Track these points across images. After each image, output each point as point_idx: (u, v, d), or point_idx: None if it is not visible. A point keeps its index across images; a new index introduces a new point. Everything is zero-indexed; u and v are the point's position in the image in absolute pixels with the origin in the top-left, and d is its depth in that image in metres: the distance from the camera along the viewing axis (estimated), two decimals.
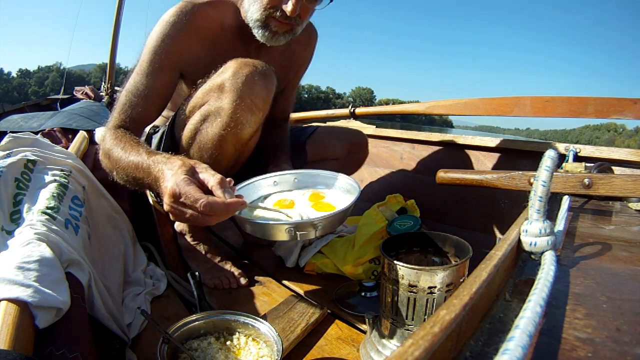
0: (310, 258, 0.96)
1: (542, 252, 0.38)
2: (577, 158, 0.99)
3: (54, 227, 0.62)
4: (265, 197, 0.86)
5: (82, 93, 2.62)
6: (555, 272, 0.32)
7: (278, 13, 0.83)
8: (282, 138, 1.10)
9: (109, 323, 0.62)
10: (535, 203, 0.38)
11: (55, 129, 1.61)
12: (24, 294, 0.45)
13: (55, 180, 0.75)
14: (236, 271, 0.92)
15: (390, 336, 0.59)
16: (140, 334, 0.71)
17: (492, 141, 1.34)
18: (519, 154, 1.26)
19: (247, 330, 0.62)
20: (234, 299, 0.86)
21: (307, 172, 0.91)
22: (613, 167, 0.84)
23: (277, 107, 1.11)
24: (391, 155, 1.62)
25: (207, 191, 0.61)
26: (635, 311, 0.30)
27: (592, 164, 0.83)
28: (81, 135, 1.33)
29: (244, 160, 0.95)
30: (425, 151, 1.51)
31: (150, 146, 0.99)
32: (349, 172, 1.21)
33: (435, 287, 0.55)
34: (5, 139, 0.81)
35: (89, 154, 1.18)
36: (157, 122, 1.01)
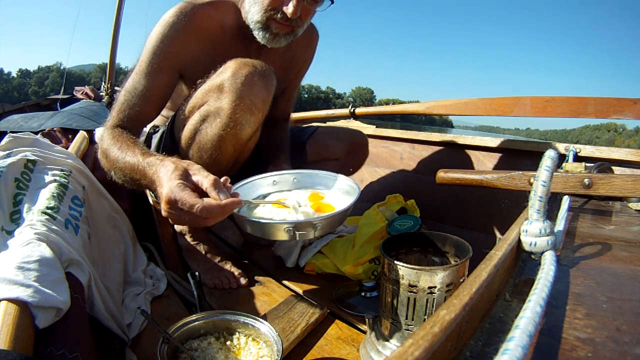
0: (310, 258, 0.96)
1: (542, 252, 0.38)
2: (577, 158, 0.99)
3: (54, 227, 0.62)
4: (264, 196, 0.86)
5: (82, 93, 2.62)
6: (555, 272, 0.32)
7: (279, 15, 0.83)
8: (282, 138, 1.10)
9: (109, 323, 0.62)
10: (535, 203, 0.38)
11: (55, 129, 1.61)
12: (24, 294, 0.45)
13: (55, 180, 0.75)
14: (236, 271, 0.92)
15: (390, 336, 0.59)
16: (140, 334, 0.71)
17: (492, 141, 1.34)
18: (519, 154, 1.26)
19: (247, 330, 0.62)
20: (234, 299, 0.86)
21: (307, 172, 0.91)
22: (613, 167, 0.84)
23: (278, 107, 1.11)
24: (391, 155, 1.62)
25: (202, 192, 0.61)
26: (635, 311, 0.30)
27: (592, 164, 0.83)
28: (81, 135, 1.33)
29: (243, 161, 0.95)
30: (425, 151, 1.51)
31: (150, 146, 0.99)
32: (349, 172, 1.21)
33: (435, 287, 0.55)
34: (5, 139, 0.81)
35: (89, 154, 1.18)
36: (157, 122, 1.01)
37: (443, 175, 0.80)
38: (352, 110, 1.89)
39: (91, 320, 0.58)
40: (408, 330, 0.58)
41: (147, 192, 1.03)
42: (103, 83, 2.61)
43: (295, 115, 1.98)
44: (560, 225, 0.47)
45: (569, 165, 0.81)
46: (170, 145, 0.92)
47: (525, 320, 0.22)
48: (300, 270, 0.97)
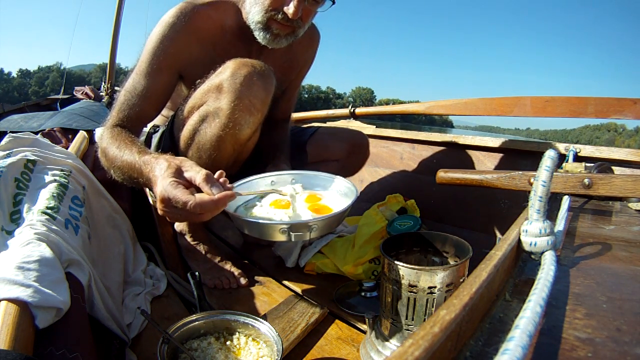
0: (310, 258, 0.96)
1: (542, 252, 0.38)
2: (577, 158, 0.99)
3: (54, 227, 0.62)
4: (262, 196, 0.86)
5: (82, 93, 2.62)
6: (555, 272, 0.32)
7: (280, 15, 0.83)
8: (282, 138, 1.10)
9: (109, 323, 0.62)
10: (535, 203, 0.38)
11: (55, 129, 1.61)
12: (24, 294, 0.45)
13: (55, 180, 0.75)
14: (236, 271, 0.92)
15: (390, 336, 0.59)
16: (140, 334, 0.71)
17: (492, 141, 1.34)
18: (519, 154, 1.26)
19: (247, 330, 0.62)
20: (234, 299, 0.86)
21: (305, 174, 0.91)
22: (613, 167, 0.84)
23: (278, 107, 1.11)
24: (391, 155, 1.62)
25: (197, 188, 0.62)
26: (635, 311, 0.30)
27: (592, 164, 0.83)
28: (81, 135, 1.33)
29: (243, 161, 0.95)
30: (425, 151, 1.51)
31: (150, 146, 0.99)
32: (350, 173, 1.20)
33: (435, 287, 0.55)
34: (5, 139, 0.81)
35: (89, 154, 1.18)
36: (157, 122, 1.02)
37: (443, 175, 0.80)
38: (352, 110, 1.89)
39: (91, 320, 0.58)
40: (408, 330, 0.58)
41: (147, 191, 1.03)
42: (103, 83, 2.61)
43: (295, 115, 1.97)
44: (560, 225, 0.47)
45: (569, 165, 0.81)
46: (170, 145, 0.92)
47: (525, 320, 0.22)
48: (300, 270, 0.97)
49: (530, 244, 0.38)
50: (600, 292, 0.33)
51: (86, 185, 0.85)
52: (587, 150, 1.10)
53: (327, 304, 0.80)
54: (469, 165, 1.38)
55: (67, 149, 1.07)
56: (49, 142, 0.90)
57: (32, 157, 0.77)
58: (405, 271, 0.55)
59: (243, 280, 0.91)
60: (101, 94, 2.57)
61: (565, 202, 0.56)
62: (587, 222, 0.56)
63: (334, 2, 0.89)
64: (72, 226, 0.68)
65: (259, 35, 0.87)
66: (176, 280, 0.92)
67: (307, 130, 1.22)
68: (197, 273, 0.77)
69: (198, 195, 0.59)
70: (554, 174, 0.45)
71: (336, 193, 0.86)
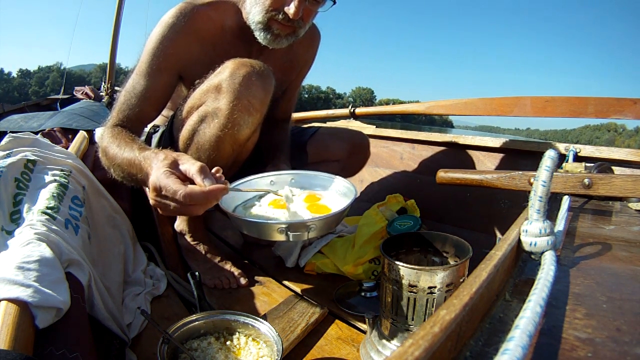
0: (310, 258, 0.96)
1: (542, 252, 0.38)
2: (577, 158, 0.99)
3: (54, 227, 0.62)
4: (261, 196, 0.86)
5: (82, 93, 2.63)
6: (555, 272, 0.32)
7: (280, 15, 0.83)
8: (282, 139, 1.09)
9: (109, 323, 0.62)
10: (535, 203, 0.38)
11: (55, 129, 1.61)
12: (24, 294, 0.45)
13: (55, 180, 0.75)
14: (236, 271, 0.92)
15: (390, 336, 0.59)
16: (140, 334, 0.71)
17: (492, 141, 1.34)
18: (519, 154, 1.26)
19: (247, 330, 0.62)
20: (234, 299, 0.86)
21: (305, 173, 0.91)
22: (613, 167, 0.84)
23: (279, 108, 1.11)
24: (391, 155, 1.62)
25: (192, 182, 0.61)
26: (635, 311, 0.30)
27: (592, 164, 0.83)
28: (81, 135, 1.33)
29: (242, 161, 0.95)
30: (425, 151, 1.51)
31: (150, 145, 0.99)
32: (350, 173, 1.20)
33: (435, 287, 0.55)
34: (5, 139, 0.81)
35: (89, 154, 1.18)
36: (157, 122, 1.02)
37: (443, 175, 0.80)
38: (352, 110, 1.89)
39: (91, 320, 0.58)
40: (408, 330, 0.58)
41: (147, 191, 1.03)
42: (103, 83, 2.61)
43: (295, 115, 1.98)
44: (560, 225, 0.47)
45: (569, 165, 0.81)
46: (170, 146, 0.92)
47: (525, 320, 0.22)
48: (300, 270, 0.97)
49: (530, 244, 0.38)
50: (600, 292, 0.33)
51: (86, 185, 0.85)
52: (587, 150, 1.10)
53: (327, 304, 0.80)
54: (469, 165, 1.38)
55: (67, 149, 1.07)
56: (49, 142, 0.90)
57: (32, 157, 0.77)
58: (405, 271, 0.55)
59: (243, 280, 0.91)
60: (101, 94, 2.57)
61: (565, 202, 0.56)
62: (587, 222, 0.56)
63: (334, 2, 0.88)
64: (72, 226, 0.68)
65: (260, 36, 0.87)
66: (176, 280, 0.92)
67: (307, 130, 1.22)
68: (197, 273, 0.77)
69: (189, 186, 0.59)
70: (554, 174, 0.45)
71: (335, 193, 0.86)
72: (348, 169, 1.18)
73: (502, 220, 1.21)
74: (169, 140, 0.94)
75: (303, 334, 0.71)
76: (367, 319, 0.63)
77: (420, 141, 1.53)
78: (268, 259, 1.04)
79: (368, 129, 1.69)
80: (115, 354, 0.62)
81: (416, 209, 0.99)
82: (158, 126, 1.02)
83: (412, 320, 0.57)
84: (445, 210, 1.35)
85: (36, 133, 1.40)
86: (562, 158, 0.93)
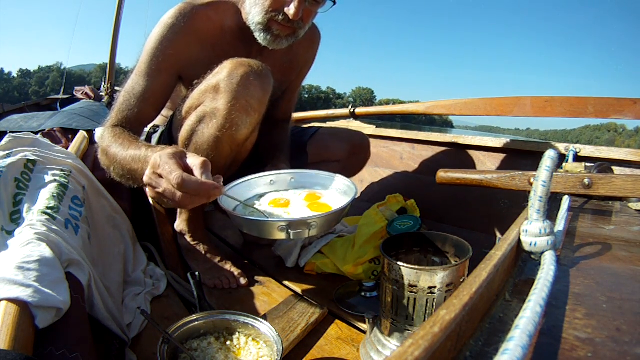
0: (310, 258, 0.96)
1: (542, 252, 0.38)
2: (577, 158, 0.99)
3: (54, 227, 0.62)
4: (261, 195, 0.86)
5: (82, 93, 2.63)
6: (555, 272, 0.32)
7: (280, 16, 0.83)
8: (282, 139, 1.09)
9: (109, 323, 0.62)
10: (535, 203, 0.38)
11: (55, 129, 1.61)
12: (24, 294, 0.45)
13: (55, 180, 0.75)
14: (236, 271, 0.92)
15: (390, 336, 0.59)
16: (140, 334, 0.71)
17: (492, 141, 1.34)
18: (519, 154, 1.26)
19: (247, 330, 0.62)
20: (234, 299, 0.86)
21: (304, 172, 0.91)
22: (613, 167, 0.84)
23: (279, 108, 1.10)
24: (391, 155, 1.62)
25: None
26: (635, 311, 0.30)
27: (592, 164, 0.83)
28: (81, 135, 1.33)
29: (242, 161, 0.95)
30: (425, 151, 1.51)
31: None
32: (350, 174, 1.20)
33: (435, 287, 0.55)
34: (5, 139, 0.81)
35: (89, 154, 1.18)
36: (157, 122, 1.02)
37: (443, 175, 0.80)
38: (352, 110, 1.89)
39: (91, 320, 0.58)
40: (408, 330, 0.58)
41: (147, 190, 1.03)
42: (103, 83, 2.61)
43: (295, 115, 1.97)
44: (560, 225, 0.47)
45: (569, 165, 0.81)
46: (169, 145, 0.92)
47: (525, 320, 0.22)
48: (300, 270, 0.97)
49: (530, 244, 0.38)
50: (600, 292, 0.33)
51: (86, 185, 0.85)
52: (587, 150, 1.11)
53: (327, 304, 0.80)
54: (469, 165, 1.38)
55: (67, 149, 1.07)
56: (49, 142, 0.90)
57: (32, 157, 0.77)
58: (405, 271, 0.55)
59: (243, 280, 0.91)
60: (101, 94, 2.57)
61: (565, 202, 0.56)
62: (587, 222, 0.56)
63: (334, 3, 0.88)
64: (72, 226, 0.68)
65: (260, 36, 0.87)
66: (176, 280, 0.92)
67: (307, 130, 1.22)
68: (197, 273, 0.77)
69: (186, 173, 0.58)
70: (554, 174, 0.45)
71: (336, 192, 0.86)
72: (348, 169, 1.18)
73: (502, 220, 1.21)
74: (168, 141, 0.94)
75: (303, 334, 0.71)
76: (367, 319, 0.63)
77: (420, 141, 1.53)
78: (268, 259, 1.04)
79: (368, 129, 1.69)
80: (115, 354, 0.62)
81: (416, 209, 0.99)
82: (158, 126, 1.02)
83: (412, 320, 0.57)
84: (445, 210, 1.35)
85: (36, 133, 1.40)
86: (562, 158, 0.93)
